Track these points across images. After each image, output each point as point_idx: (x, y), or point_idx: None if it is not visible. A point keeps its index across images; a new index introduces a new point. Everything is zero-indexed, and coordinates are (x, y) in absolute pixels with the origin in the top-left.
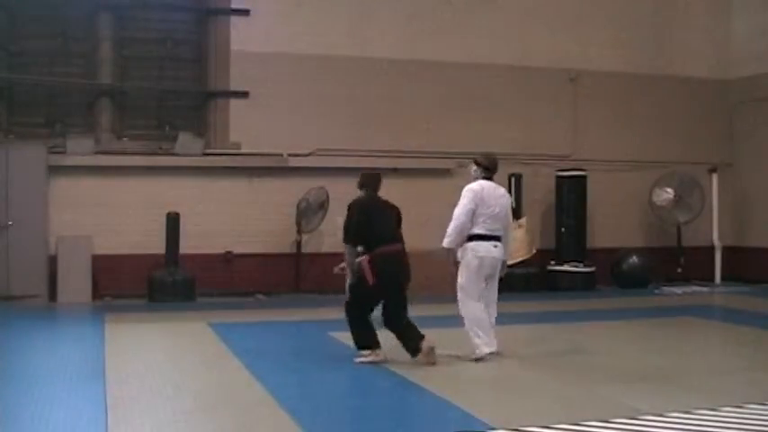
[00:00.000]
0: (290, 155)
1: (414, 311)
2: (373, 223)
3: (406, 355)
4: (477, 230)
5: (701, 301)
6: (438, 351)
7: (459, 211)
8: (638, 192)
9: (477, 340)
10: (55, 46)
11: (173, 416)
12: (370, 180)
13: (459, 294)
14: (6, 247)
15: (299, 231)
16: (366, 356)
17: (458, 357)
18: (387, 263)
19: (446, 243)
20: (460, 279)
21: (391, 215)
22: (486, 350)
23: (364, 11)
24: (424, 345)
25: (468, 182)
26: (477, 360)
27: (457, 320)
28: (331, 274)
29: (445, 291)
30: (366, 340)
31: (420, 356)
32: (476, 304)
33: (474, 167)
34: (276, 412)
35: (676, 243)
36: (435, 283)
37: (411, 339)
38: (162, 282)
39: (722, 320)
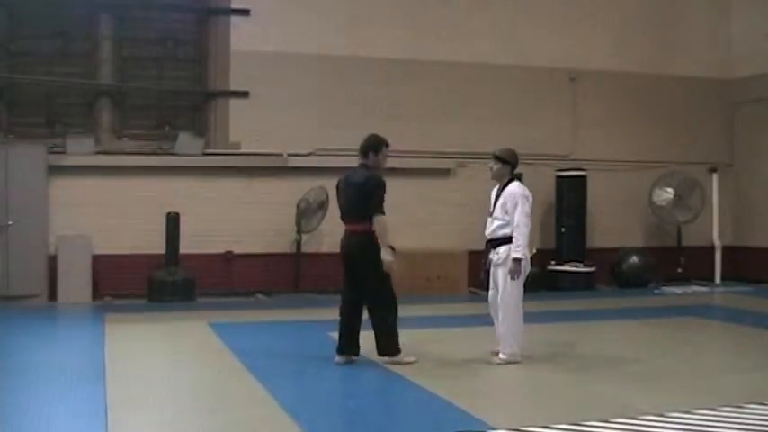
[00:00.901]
0: (290, 155)
1: (425, 311)
2: (338, 201)
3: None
4: None
5: (701, 301)
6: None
7: (526, 220)
8: (638, 192)
9: (510, 349)
10: (55, 46)
11: (173, 416)
12: (360, 147)
13: (511, 300)
14: (6, 247)
15: (299, 231)
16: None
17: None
18: (341, 245)
19: (522, 254)
20: (515, 285)
21: (353, 191)
22: (517, 359)
23: (364, 11)
24: (400, 357)
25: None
26: (506, 363)
27: (460, 320)
28: (331, 274)
29: (442, 290)
30: (339, 338)
31: (385, 358)
32: (522, 311)
33: (498, 165)
34: (276, 412)
35: (676, 243)
36: (444, 284)
37: (384, 346)
38: (162, 282)
39: (722, 320)
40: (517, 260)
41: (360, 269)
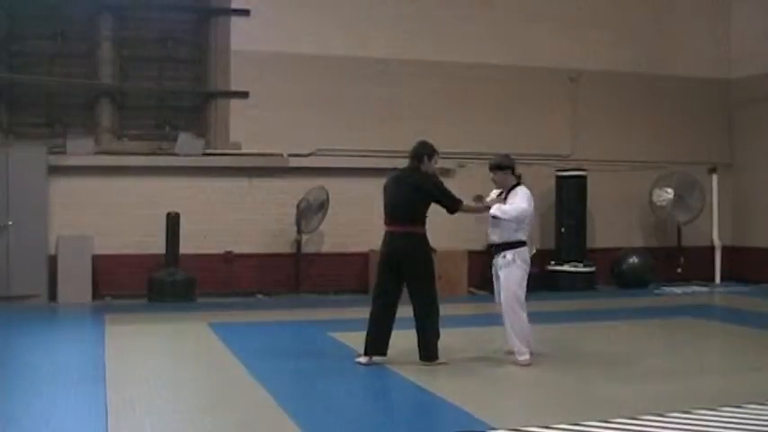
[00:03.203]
0: (290, 155)
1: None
2: (384, 200)
3: (405, 356)
4: (522, 237)
5: (701, 301)
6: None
7: (521, 208)
8: (638, 192)
9: (525, 350)
10: (55, 46)
11: (173, 416)
12: (414, 151)
13: (514, 304)
14: (6, 247)
15: (299, 231)
16: (359, 357)
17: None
18: (383, 244)
19: (500, 213)
20: (516, 288)
21: (400, 191)
22: (530, 358)
23: (364, 11)
24: (437, 362)
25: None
26: (523, 365)
27: (459, 320)
28: (331, 274)
29: (442, 290)
30: (366, 341)
31: (425, 365)
32: (524, 311)
33: (500, 174)
34: (276, 412)
35: (676, 243)
36: (444, 284)
37: (426, 349)
38: (162, 282)
39: (722, 320)
40: (489, 212)
41: (408, 270)
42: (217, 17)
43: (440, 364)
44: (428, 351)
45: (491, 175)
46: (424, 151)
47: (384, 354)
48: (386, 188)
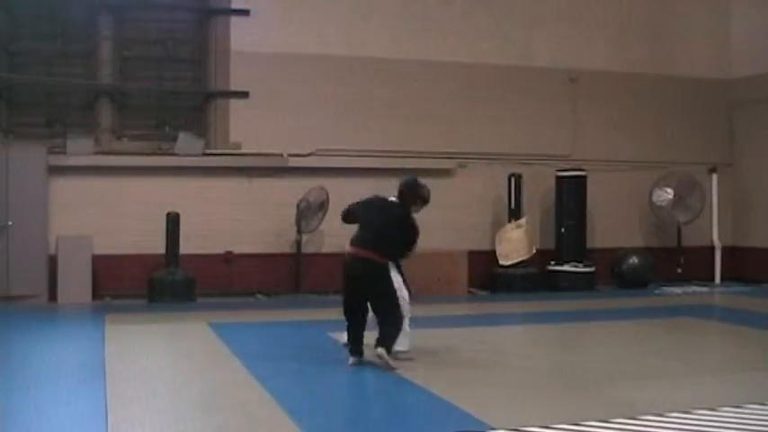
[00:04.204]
0: (290, 155)
1: (424, 312)
2: (362, 219)
3: (404, 357)
4: None
5: (700, 301)
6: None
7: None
8: (638, 192)
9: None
10: (55, 46)
11: (173, 416)
12: (404, 188)
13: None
14: (6, 247)
15: (299, 231)
16: (349, 360)
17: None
18: (346, 263)
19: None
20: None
21: (384, 221)
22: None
23: (364, 11)
24: (390, 356)
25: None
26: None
27: (459, 320)
28: (331, 274)
29: (442, 290)
30: (349, 342)
31: (375, 351)
32: None
33: (421, 206)
34: (276, 412)
35: (676, 243)
36: (444, 284)
37: (383, 337)
38: (162, 282)
39: (722, 320)
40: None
41: (369, 291)
42: (217, 17)
43: (391, 365)
44: (383, 339)
45: (420, 207)
46: (418, 197)
47: (362, 356)
48: (366, 206)
